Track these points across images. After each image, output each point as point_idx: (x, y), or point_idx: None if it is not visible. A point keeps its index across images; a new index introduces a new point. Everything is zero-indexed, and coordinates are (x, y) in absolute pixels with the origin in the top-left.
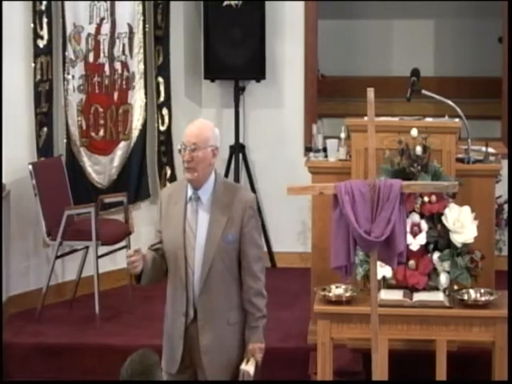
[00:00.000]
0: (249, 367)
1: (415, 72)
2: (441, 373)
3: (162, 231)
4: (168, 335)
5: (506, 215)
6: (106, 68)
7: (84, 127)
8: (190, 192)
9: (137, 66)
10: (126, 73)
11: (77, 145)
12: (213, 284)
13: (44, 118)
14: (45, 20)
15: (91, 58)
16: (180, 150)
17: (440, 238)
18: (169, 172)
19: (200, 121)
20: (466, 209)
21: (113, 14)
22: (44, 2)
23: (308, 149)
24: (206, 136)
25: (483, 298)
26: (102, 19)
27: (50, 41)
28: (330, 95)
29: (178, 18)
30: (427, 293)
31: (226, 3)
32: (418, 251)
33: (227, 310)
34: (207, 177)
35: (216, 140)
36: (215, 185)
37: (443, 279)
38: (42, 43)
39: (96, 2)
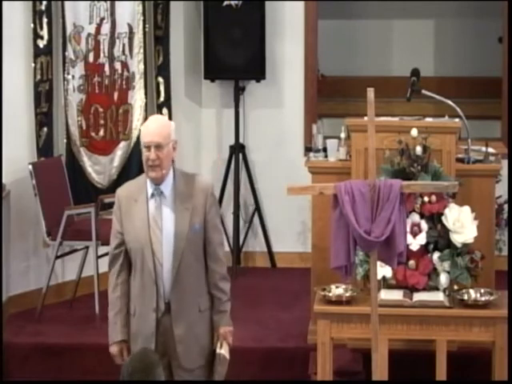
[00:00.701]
0: (224, 351)
1: (415, 72)
2: (441, 373)
3: (123, 231)
4: (138, 334)
5: (506, 215)
6: (106, 68)
7: (84, 127)
8: (150, 188)
9: (137, 66)
10: (125, 73)
11: (77, 145)
12: (184, 275)
13: (44, 118)
14: (45, 20)
15: (91, 58)
16: (141, 150)
17: (440, 238)
18: None
19: (157, 118)
20: (466, 209)
21: (113, 14)
22: (44, 2)
23: (308, 149)
24: (168, 132)
25: (483, 298)
26: (101, 19)
27: (50, 41)
28: (329, 95)
29: (178, 18)
30: (427, 293)
31: (225, 3)
32: (418, 251)
33: (198, 297)
34: (168, 171)
35: (174, 134)
36: (175, 177)
37: (443, 279)
38: (42, 43)
39: (96, 2)
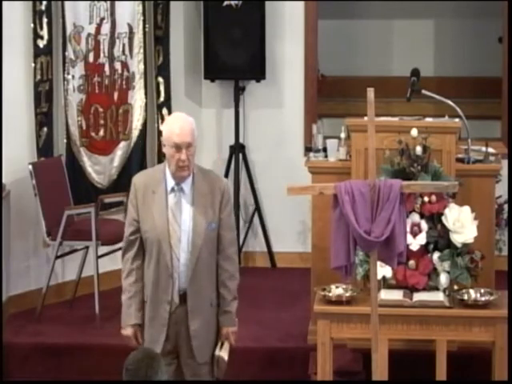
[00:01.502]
0: (223, 353)
1: (415, 72)
2: (441, 373)
3: (139, 220)
4: (151, 321)
5: (506, 215)
6: (106, 68)
7: (84, 127)
8: (170, 183)
9: (137, 66)
10: (125, 73)
11: (77, 145)
12: (200, 271)
13: (44, 117)
14: (45, 20)
15: (91, 58)
16: (163, 150)
17: (440, 238)
18: None
19: (182, 117)
20: (466, 209)
21: (113, 14)
22: (44, 2)
23: (308, 149)
24: (194, 130)
25: (483, 298)
26: (102, 19)
27: (50, 41)
28: (329, 95)
29: (178, 18)
30: (427, 293)
31: (226, 3)
32: (418, 251)
33: (211, 293)
34: None
35: None
36: (193, 174)
37: (443, 279)
38: (42, 43)
39: (96, 2)
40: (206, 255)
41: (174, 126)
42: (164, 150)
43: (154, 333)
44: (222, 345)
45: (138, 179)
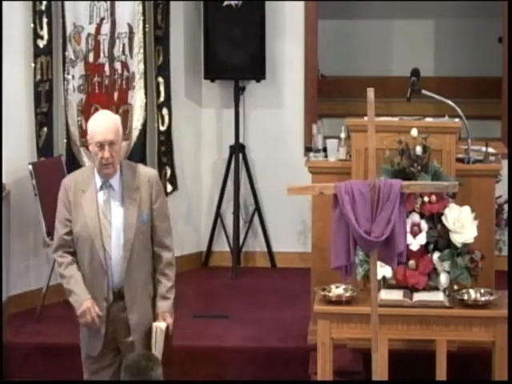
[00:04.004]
0: (161, 323)
1: (415, 72)
2: (441, 373)
3: (72, 220)
4: None
5: (506, 215)
6: (106, 68)
7: (84, 127)
8: (99, 181)
9: (137, 66)
10: (126, 73)
11: (77, 145)
12: (134, 265)
13: (44, 117)
14: (45, 20)
15: (91, 58)
16: (89, 148)
17: (440, 238)
18: (169, 172)
19: (105, 114)
20: (466, 209)
21: (113, 14)
22: (44, 2)
23: (308, 149)
24: (118, 127)
25: (483, 298)
26: (102, 19)
27: (50, 41)
28: (329, 95)
29: (178, 18)
30: (427, 293)
31: (226, 3)
32: (418, 251)
33: (147, 284)
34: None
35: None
36: (121, 169)
37: (443, 279)
38: (42, 43)
39: (96, 2)
40: (139, 248)
41: (97, 124)
42: (89, 148)
43: (93, 331)
44: (159, 320)
45: (68, 180)
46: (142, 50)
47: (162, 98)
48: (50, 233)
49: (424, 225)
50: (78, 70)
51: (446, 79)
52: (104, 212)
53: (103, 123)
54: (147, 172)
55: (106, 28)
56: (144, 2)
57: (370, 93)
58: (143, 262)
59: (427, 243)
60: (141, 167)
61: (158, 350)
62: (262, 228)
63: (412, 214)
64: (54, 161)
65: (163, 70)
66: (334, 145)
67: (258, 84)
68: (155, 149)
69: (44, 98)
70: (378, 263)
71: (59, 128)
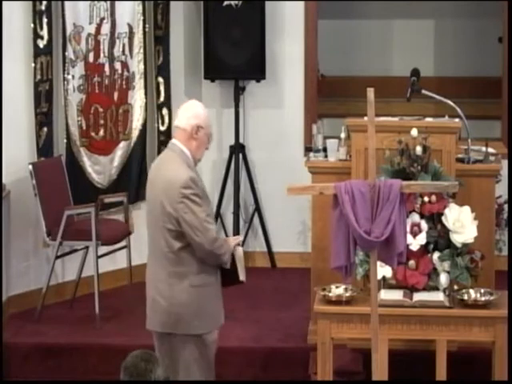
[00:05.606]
0: (239, 248)
1: (415, 72)
2: (441, 373)
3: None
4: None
5: (506, 215)
6: (106, 68)
7: (84, 127)
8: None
9: (137, 65)
10: (126, 73)
11: (77, 145)
12: None
13: (44, 118)
14: (45, 20)
15: (91, 58)
16: (197, 134)
17: (440, 238)
18: None
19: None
20: (466, 209)
21: (113, 14)
22: (44, 2)
23: (308, 149)
24: None
25: (483, 298)
26: (102, 19)
27: (50, 41)
28: (330, 95)
29: (178, 18)
30: (427, 293)
31: (226, 3)
32: (418, 251)
33: None
34: None
35: None
36: None
37: (443, 279)
38: (42, 43)
39: (96, 2)
40: None
41: (207, 114)
42: (198, 133)
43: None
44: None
45: (191, 174)
46: (141, 50)
47: (162, 98)
48: (50, 233)
49: (424, 225)
50: (78, 70)
51: (446, 79)
52: None
53: (206, 112)
54: None
55: (106, 28)
56: (144, 2)
57: (370, 93)
58: None
59: (427, 243)
60: None
61: (241, 269)
62: (262, 228)
63: (412, 214)
64: (54, 161)
65: (163, 69)
66: (334, 145)
67: (258, 84)
68: (155, 149)
69: (44, 97)
70: (378, 263)
71: (59, 128)
